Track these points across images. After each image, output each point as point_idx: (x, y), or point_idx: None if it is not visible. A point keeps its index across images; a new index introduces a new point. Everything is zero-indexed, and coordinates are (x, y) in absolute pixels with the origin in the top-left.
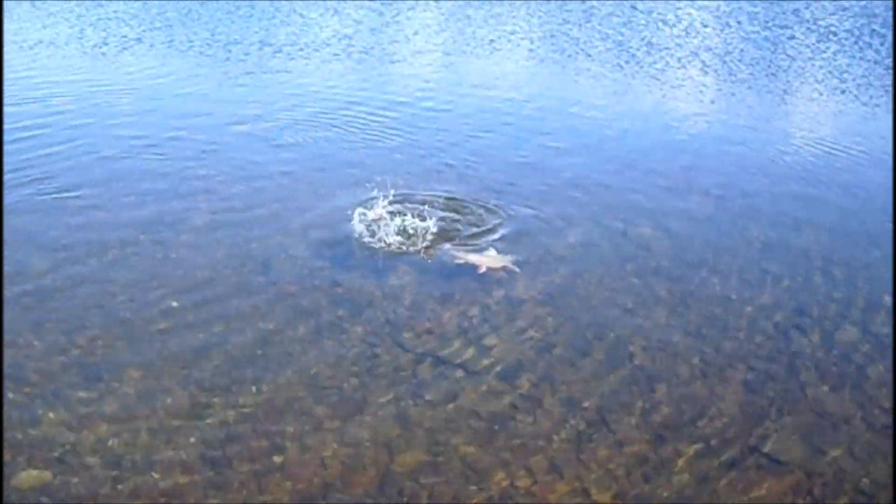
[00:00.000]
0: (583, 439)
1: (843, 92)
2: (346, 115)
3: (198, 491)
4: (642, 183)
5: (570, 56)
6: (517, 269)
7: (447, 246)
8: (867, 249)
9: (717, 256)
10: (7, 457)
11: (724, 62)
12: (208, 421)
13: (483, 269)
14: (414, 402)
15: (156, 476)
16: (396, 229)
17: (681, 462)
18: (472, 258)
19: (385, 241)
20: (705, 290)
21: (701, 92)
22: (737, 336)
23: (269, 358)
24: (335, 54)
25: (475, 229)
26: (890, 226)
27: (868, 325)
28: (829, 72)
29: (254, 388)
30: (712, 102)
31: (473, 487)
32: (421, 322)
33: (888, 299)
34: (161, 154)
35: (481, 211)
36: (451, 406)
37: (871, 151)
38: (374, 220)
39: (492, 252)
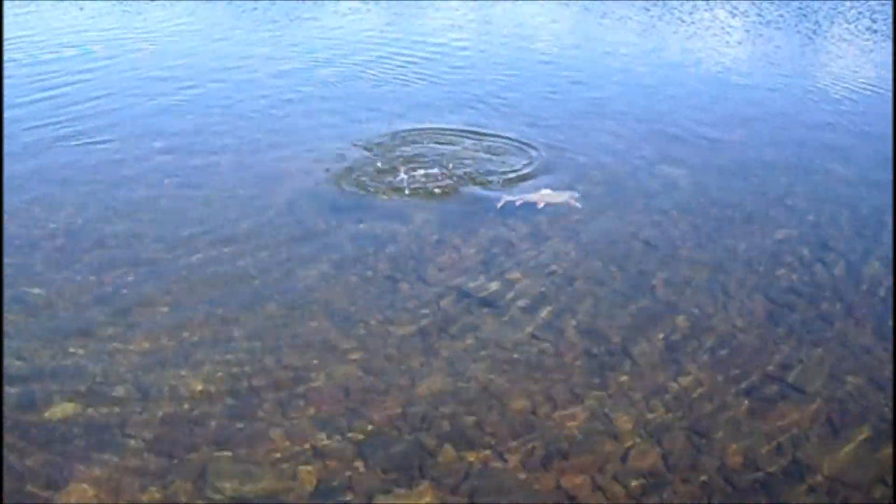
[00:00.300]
0: (605, 368)
1: (874, 31)
2: (376, 60)
3: (224, 419)
4: (668, 119)
5: None
6: (578, 205)
7: (499, 193)
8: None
9: (741, 191)
10: (39, 390)
11: (753, 3)
12: (235, 354)
13: (542, 205)
14: (436, 333)
15: (185, 407)
16: (421, 170)
17: (701, 390)
18: (530, 197)
19: (409, 183)
20: (730, 226)
21: (729, 33)
22: (760, 270)
23: (296, 294)
24: (363, 1)
25: (504, 168)
26: None
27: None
28: (861, 12)
29: (280, 323)
30: (740, 44)
31: (494, 414)
32: (444, 257)
33: None
34: (190, 100)
35: (508, 148)
36: (472, 336)
37: None
38: (399, 164)
39: (547, 191)
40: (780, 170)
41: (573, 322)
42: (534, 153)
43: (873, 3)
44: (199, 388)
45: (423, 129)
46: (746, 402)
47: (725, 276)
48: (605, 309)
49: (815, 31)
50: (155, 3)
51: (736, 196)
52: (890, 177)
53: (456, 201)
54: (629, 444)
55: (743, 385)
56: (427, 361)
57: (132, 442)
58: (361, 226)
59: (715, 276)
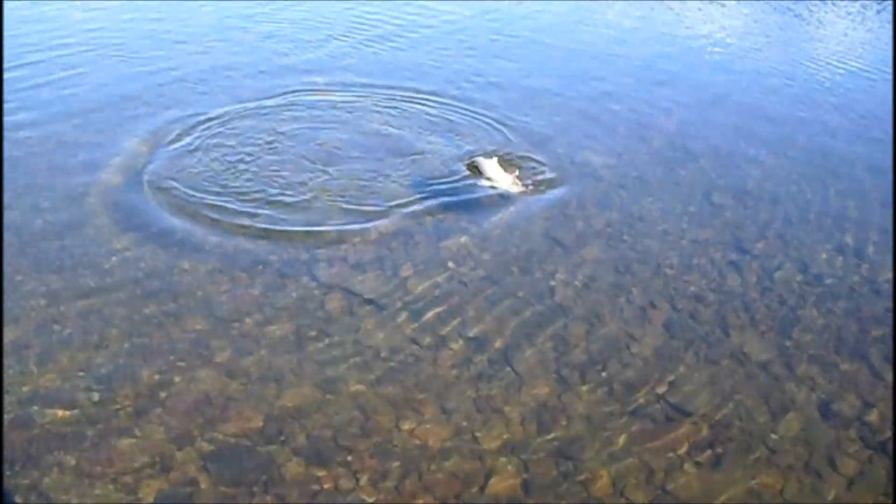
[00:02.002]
0: (482, 380)
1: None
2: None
3: (75, 426)
4: (610, 102)
5: None
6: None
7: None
8: (827, 183)
9: (658, 188)
10: None
11: None
12: (101, 354)
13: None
14: (314, 336)
15: (33, 409)
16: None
17: (579, 408)
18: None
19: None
20: (643, 224)
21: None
22: (668, 274)
23: (172, 292)
24: None
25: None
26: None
27: (808, 263)
28: None
29: (153, 322)
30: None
31: (356, 427)
32: (337, 252)
33: (841, 237)
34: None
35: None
36: (351, 341)
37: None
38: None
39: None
40: (707, 160)
41: (459, 327)
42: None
43: None
44: (56, 392)
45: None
46: (626, 422)
47: (631, 280)
48: (496, 312)
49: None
50: None
51: (657, 190)
52: (827, 176)
53: (354, 198)
54: (491, 466)
55: (625, 403)
56: (297, 367)
57: None
58: (252, 220)
59: (620, 280)
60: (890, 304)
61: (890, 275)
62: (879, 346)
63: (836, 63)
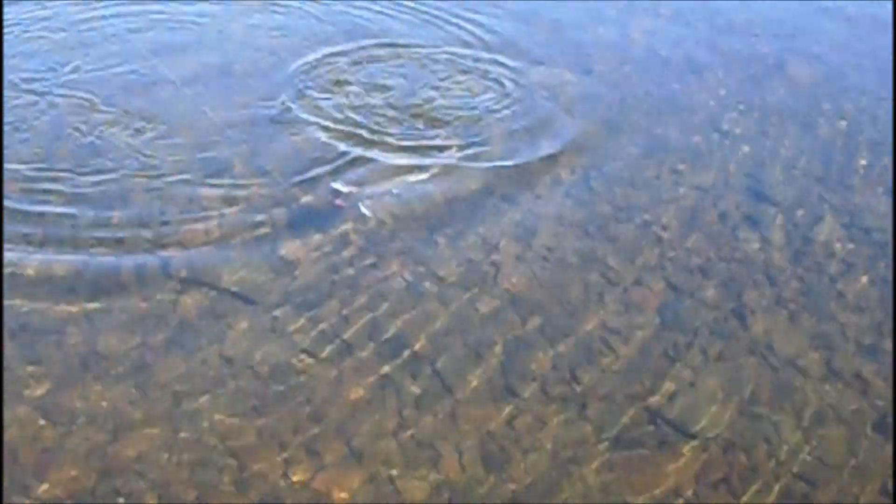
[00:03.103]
0: (404, 404)
1: None
2: None
3: None
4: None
5: None
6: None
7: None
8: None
9: (646, 111)
10: None
11: None
12: None
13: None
14: (164, 350)
15: None
16: None
17: (543, 435)
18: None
19: None
20: (622, 167)
21: None
22: (662, 237)
23: None
24: None
25: None
26: None
27: (859, 216)
28: None
29: None
30: None
31: (227, 484)
32: (192, 236)
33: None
34: None
35: None
36: (216, 355)
37: None
38: None
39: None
40: (711, 82)
41: (367, 326)
42: None
43: None
44: None
45: None
46: (607, 452)
47: (609, 249)
48: (417, 302)
49: None
50: None
51: (642, 115)
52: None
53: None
54: None
55: (606, 427)
56: (142, 398)
57: None
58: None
59: (594, 250)
60: None
61: None
62: None
63: None
